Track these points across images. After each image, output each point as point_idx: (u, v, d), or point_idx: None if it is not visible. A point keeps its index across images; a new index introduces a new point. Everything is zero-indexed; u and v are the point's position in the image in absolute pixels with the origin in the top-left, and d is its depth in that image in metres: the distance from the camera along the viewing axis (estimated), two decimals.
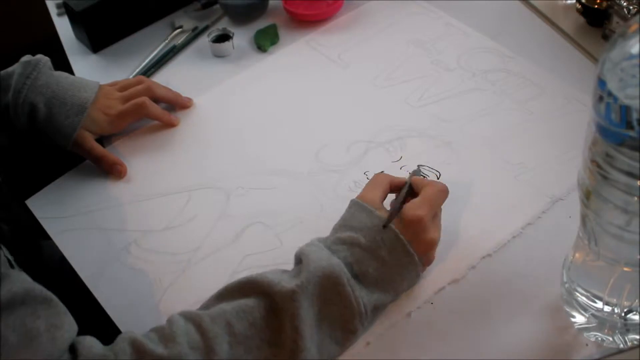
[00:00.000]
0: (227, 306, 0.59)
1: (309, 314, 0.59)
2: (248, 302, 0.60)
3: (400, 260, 0.64)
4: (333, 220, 0.74)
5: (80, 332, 0.58)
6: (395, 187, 0.70)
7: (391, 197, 0.70)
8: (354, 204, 0.67)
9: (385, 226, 0.64)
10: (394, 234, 0.63)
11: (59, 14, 1.08)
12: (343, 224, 0.66)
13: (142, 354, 0.56)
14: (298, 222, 0.76)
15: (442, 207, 0.68)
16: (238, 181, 0.81)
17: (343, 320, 0.61)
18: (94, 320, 0.69)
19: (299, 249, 0.64)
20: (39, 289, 0.55)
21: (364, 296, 0.62)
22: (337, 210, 0.76)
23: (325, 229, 0.74)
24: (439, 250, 0.69)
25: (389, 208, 0.67)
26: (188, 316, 0.59)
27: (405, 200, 0.67)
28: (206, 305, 0.62)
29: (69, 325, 0.56)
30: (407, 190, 0.68)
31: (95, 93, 0.83)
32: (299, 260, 0.63)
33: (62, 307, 0.57)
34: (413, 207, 0.64)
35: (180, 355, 0.56)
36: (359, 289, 0.61)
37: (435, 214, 0.67)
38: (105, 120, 0.84)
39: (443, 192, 0.67)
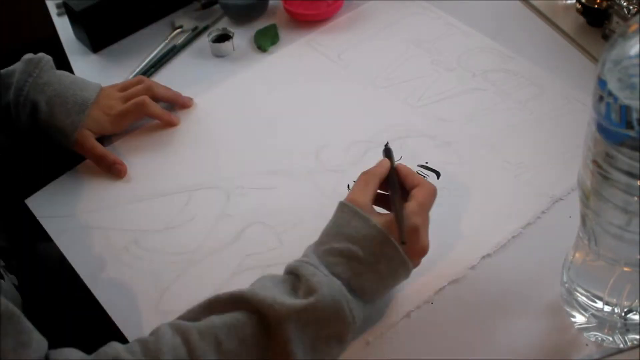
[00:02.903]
0: (217, 320, 0.57)
1: (305, 337, 0.57)
2: (239, 317, 0.57)
3: (397, 271, 0.62)
4: None
5: (80, 331, 0.58)
6: (383, 182, 0.67)
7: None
8: (347, 209, 0.63)
9: (403, 242, 0.60)
10: (393, 247, 0.61)
11: (59, 14, 1.07)
12: (338, 232, 0.62)
13: None
14: (298, 222, 0.76)
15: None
16: (238, 181, 0.81)
17: (337, 336, 0.59)
18: (94, 320, 0.69)
19: (294, 266, 0.61)
20: (4, 304, 0.51)
21: (358, 309, 0.60)
22: None
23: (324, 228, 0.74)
24: (439, 250, 0.70)
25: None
26: (177, 329, 0.57)
27: (397, 194, 0.65)
28: (195, 316, 0.59)
29: (37, 343, 0.53)
30: (395, 186, 0.66)
31: (96, 92, 0.83)
32: (295, 277, 0.61)
33: (28, 324, 0.53)
34: (410, 216, 0.62)
35: None
36: (355, 304, 0.60)
37: (427, 218, 0.65)
38: (107, 120, 0.84)
39: (434, 194, 0.65)
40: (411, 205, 0.63)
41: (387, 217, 0.63)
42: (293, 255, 0.70)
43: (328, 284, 0.58)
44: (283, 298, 0.57)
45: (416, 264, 0.65)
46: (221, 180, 0.82)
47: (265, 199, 0.79)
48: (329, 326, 0.58)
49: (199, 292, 0.67)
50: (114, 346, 0.56)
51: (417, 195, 0.64)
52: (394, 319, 0.66)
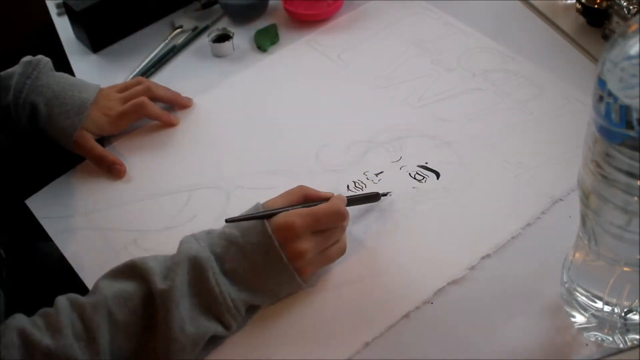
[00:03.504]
0: (109, 292, 0.61)
1: (183, 307, 0.61)
2: (128, 288, 0.61)
3: (273, 266, 0.64)
4: None
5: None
6: (311, 200, 0.69)
7: None
8: (254, 207, 0.68)
9: (264, 217, 0.64)
10: (268, 238, 0.63)
11: (59, 14, 1.08)
12: (239, 224, 0.66)
13: (30, 347, 0.58)
14: None
15: (430, 210, 0.68)
16: (238, 181, 0.81)
17: (216, 313, 0.63)
18: None
19: (183, 239, 0.66)
20: None
21: (232, 292, 0.63)
22: None
23: None
24: (438, 250, 0.69)
25: None
26: (73, 304, 0.61)
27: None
28: (95, 286, 0.63)
29: None
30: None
31: (95, 94, 0.83)
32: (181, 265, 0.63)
33: None
34: (289, 214, 0.65)
35: (66, 347, 0.58)
36: (227, 285, 0.63)
37: (321, 232, 0.66)
38: (106, 121, 0.84)
39: (335, 214, 0.66)
40: (302, 210, 0.66)
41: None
42: None
43: (197, 249, 0.63)
44: (165, 271, 0.62)
45: (298, 266, 0.65)
46: (221, 180, 0.82)
47: (264, 199, 0.78)
48: (202, 294, 0.62)
49: None
50: (19, 318, 0.59)
51: (317, 206, 0.66)
52: (393, 319, 0.66)
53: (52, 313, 0.60)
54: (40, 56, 0.83)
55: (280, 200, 0.68)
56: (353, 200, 0.72)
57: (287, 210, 0.66)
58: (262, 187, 0.80)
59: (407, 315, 0.66)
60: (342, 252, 0.69)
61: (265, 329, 0.67)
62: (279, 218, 0.65)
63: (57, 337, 0.58)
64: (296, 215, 0.65)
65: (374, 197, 0.74)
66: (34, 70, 0.81)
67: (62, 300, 0.61)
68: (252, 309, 0.67)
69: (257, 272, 0.64)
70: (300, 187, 0.70)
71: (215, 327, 0.63)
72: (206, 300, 0.62)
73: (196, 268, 0.62)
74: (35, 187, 0.83)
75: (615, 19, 0.88)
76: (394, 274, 0.70)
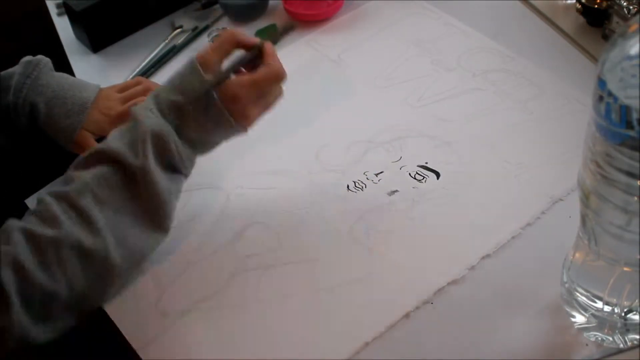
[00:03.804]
0: (86, 176, 0.65)
1: (159, 174, 0.67)
2: (103, 169, 0.66)
3: (223, 127, 0.70)
4: (332, 220, 0.74)
5: (81, 333, 0.59)
6: (242, 45, 0.72)
7: None
8: (189, 64, 0.70)
9: (207, 91, 0.68)
10: (218, 107, 0.68)
11: (59, 14, 1.07)
12: (177, 83, 0.70)
13: (37, 241, 0.61)
14: (298, 222, 0.76)
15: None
16: (238, 181, 0.81)
17: (174, 168, 0.69)
18: (93, 320, 0.69)
19: (134, 110, 0.69)
20: None
21: (186, 151, 0.69)
22: (336, 210, 0.76)
23: (325, 229, 0.74)
24: (438, 250, 0.69)
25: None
26: (57, 196, 0.64)
27: (247, 63, 0.71)
28: (65, 178, 0.67)
29: None
30: (246, 57, 0.71)
31: (95, 93, 0.83)
32: (134, 121, 0.68)
33: None
34: (235, 86, 0.69)
35: (68, 233, 0.62)
36: (182, 147, 0.69)
37: (263, 95, 0.71)
38: (105, 121, 0.84)
39: (275, 77, 0.71)
40: (244, 78, 0.70)
41: (220, 79, 0.69)
42: (293, 257, 0.70)
43: (158, 123, 0.67)
44: (131, 149, 0.66)
45: (243, 126, 0.71)
46: (221, 180, 0.82)
47: (265, 199, 0.79)
48: (166, 157, 0.67)
49: (199, 292, 0.67)
50: (13, 221, 0.63)
51: (257, 72, 0.70)
52: (393, 319, 0.66)
53: (42, 209, 0.64)
54: (40, 56, 0.83)
55: (214, 53, 0.70)
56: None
57: (228, 75, 0.69)
58: (261, 187, 0.80)
59: (407, 315, 0.66)
60: (281, 96, 0.73)
61: (265, 329, 0.67)
62: (227, 90, 0.69)
63: (57, 227, 0.62)
64: (240, 87, 0.69)
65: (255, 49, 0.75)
66: (34, 70, 0.81)
67: (44, 196, 0.65)
68: None
69: (208, 134, 0.70)
70: (230, 33, 0.72)
71: (181, 180, 0.70)
72: (171, 164, 0.68)
73: (159, 142, 0.67)
74: (35, 187, 0.83)
75: (615, 19, 0.88)
76: (394, 273, 0.70)
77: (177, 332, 0.67)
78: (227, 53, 0.71)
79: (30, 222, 0.63)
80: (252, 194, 0.80)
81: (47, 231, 0.62)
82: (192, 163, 0.71)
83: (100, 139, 0.85)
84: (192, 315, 0.68)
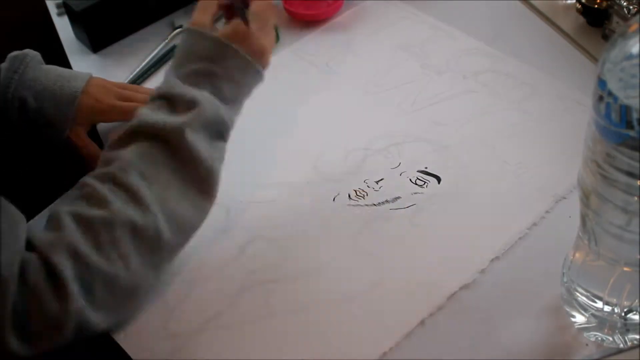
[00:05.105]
0: (127, 154, 0.65)
1: (201, 139, 0.67)
2: (143, 145, 0.65)
3: (248, 74, 0.72)
4: (335, 231, 0.74)
5: (82, 342, 0.59)
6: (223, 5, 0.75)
7: None
8: (193, 32, 0.72)
9: (222, 43, 0.70)
10: (238, 54, 0.70)
11: (59, 14, 1.07)
12: (190, 54, 0.71)
13: (87, 222, 0.61)
14: (302, 235, 0.74)
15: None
16: (237, 195, 0.79)
17: (221, 136, 0.70)
18: (101, 346, 0.68)
19: (164, 90, 0.69)
20: None
21: (229, 113, 0.71)
22: (339, 220, 0.75)
23: (330, 239, 0.73)
24: (445, 256, 0.70)
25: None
26: (101, 178, 0.64)
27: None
28: (103, 160, 0.66)
29: (20, 217, 0.61)
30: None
31: (85, 82, 0.81)
32: (168, 100, 0.68)
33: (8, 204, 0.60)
34: (238, 25, 0.72)
35: (119, 211, 0.61)
36: (225, 109, 0.70)
37: (265, 23, 0.74)
38: (95, 109, 0.82)
39: (269, 9, 0.75)
40: (240, 31, 0.72)
41: (225, 29, 0.72)
42: (298, 269, 0.69)
43: (202, 95, 0.68)
44: (170, 118, 0.66)
45: (264, 63, 0.74)
46: (220, 194, 0.77)
47: (265, 212, 0.77)
48: (214, 127, 0.68)
49: (207, 311, 0.67)
50: (60, 208, 0.62)
51: (251, 5, 0.74)
52: (408, 327, 0.65)
53: (88, 191, 0.63)
54: (27, 50, 0.81)
55: (204, 15, 0.73)
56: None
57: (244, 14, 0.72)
58: (261, 200, 0.78)
59: (422, 323, 0.66)
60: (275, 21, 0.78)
61: (276, 345, 0.65)
62: (236, 34, 0.71)
63: (107, 207, 0.61)
64: (243, 25, 0.72)
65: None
66: (20, 64, 0.79)
67: (85, 179, 0.64)
68: None
69: (239, 87, 0.72)
70: None
71: (223, 146, 0.70)
72: (218, 128, 0.69)
73: (201, 111, 0.67)
74: (34, 186, 0.83)
75: (615, 19, 0.88)
76: (405, 281, 0.69)
77: (188, 353, 0.65)
78: (214, 12, 0.74)
79: (77, 205, 0.62)
80: (252, 208, 0.78)
81: (97, 212, 0.61)
82: (233, 125, 0.72)
83: (99, 139, 0.85)
84: (203, 335, 0.66)
